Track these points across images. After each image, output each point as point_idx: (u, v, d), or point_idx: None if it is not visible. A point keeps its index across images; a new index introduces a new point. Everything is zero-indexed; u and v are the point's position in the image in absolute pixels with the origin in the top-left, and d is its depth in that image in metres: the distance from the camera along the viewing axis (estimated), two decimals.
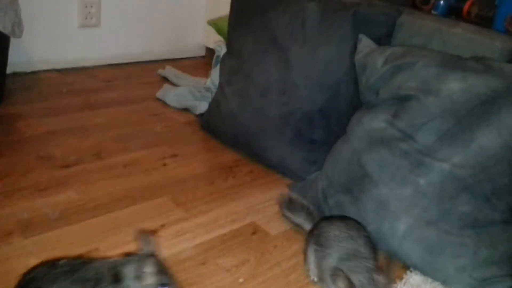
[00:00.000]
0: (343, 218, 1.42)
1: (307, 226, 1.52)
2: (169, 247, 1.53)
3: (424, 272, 1.45)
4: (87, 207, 1.71)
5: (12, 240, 1.51)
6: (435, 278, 1.44)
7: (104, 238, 1.56)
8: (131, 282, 1.09)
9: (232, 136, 2.18)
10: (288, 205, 1.62)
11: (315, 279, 1.38)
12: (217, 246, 1.57)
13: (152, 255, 1.12)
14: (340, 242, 1.30)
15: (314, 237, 1.38)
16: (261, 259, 1.53)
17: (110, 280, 1.08)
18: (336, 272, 1.16)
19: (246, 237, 1.63)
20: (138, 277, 1.08)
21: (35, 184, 1.81)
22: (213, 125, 2.31)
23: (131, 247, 1.52)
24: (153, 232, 1.60)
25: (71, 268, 1.12)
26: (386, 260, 1.21)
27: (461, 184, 1.43)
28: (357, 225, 1.38)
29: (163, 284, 1.10)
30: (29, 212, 1.65)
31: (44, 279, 1.10)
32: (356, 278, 1.15)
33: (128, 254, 1.18)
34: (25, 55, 2.83)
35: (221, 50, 2.55)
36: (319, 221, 1.45)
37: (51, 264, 1.14)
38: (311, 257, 1.37)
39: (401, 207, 1.49)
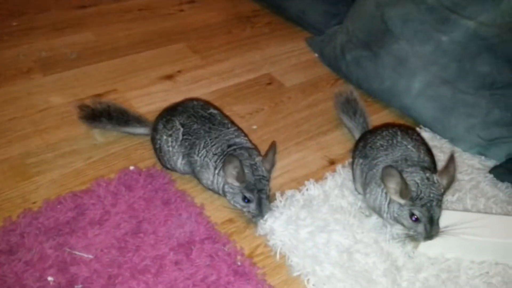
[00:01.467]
0: (387, 126, 1.26)
1: (357, 134, 1.39)
2: (185, 92, 1.56)
3: (434, 129, 1.48)
4: (105, 49, 1.71)
5: (33, 77, 1.55)
6: (444, 136, 1.47)
7: (122, 80, 1.59)
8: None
9: None
10: (343, 106, 1.46)
11: (360, 193, 1.24)
12: (232, 94, 1.60)
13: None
14: (386, 151, 1.16)
15: (359, 150, 1.25)
16: (275, 108, 1.56)
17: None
18: (387, 170, 1.03)
19: (261, 87, 1.65)
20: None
21: (52, 23, 1.80)
22: None
23: (149, 90, 1.56)
24: (170, 77, 1.63)
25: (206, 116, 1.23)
26: (448, 160, 1.08)
27: (485, 44, 1.39)
28: (405, 130, 1.23)
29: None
30: (47, 51, 1.67)
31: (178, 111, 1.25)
32: (409, 179, 1.05)
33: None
34: None
35: None
36: (364, 134, 1.31)
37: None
38: (357, 171, 1.23)
39: (419, 64, 1.47)
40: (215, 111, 1.26)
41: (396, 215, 1.08)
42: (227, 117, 1.29)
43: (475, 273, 1.09)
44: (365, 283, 1.04)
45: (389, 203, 1.09)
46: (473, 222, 1.09)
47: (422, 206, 1.03)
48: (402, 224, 1.09)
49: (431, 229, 1.04)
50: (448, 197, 1.24)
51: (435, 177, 1.06)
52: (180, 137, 1.21)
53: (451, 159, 1.08)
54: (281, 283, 1.06)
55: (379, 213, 1.14)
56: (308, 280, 1.06)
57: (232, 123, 1.27)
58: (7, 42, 1.68)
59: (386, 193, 1.09)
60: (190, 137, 1.20)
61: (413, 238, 1.09)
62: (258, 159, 1.15)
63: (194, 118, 1.22)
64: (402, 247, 1.12)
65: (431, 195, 1.04)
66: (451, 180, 1.07)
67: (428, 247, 1.10)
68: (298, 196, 1.23)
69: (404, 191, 1.03)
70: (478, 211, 1.22)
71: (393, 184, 1.04)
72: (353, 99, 1.45)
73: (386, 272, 1.06)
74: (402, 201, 1.05)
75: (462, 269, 1.09)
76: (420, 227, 1.05)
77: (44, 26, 1.78)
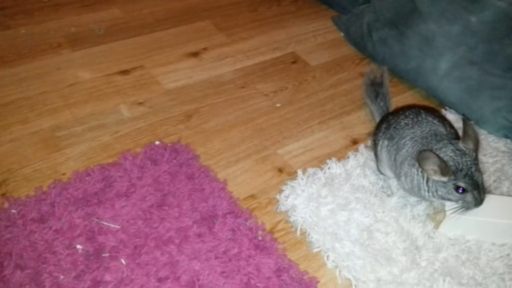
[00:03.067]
0: (409, 107, 1.24)
1: (377, 117, 1.37)
2: (210, 69, 1.58)
3: (459, 111, 1.46)
4: (131, 25, 1.73)
5: (62, 52, 1.58)
6: (469, 117, 1.44)
7: (149, 57, 1.60)
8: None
9: None
10: (368, 89, 1.42)
11: (388, 175, 1.24)
12: (256, 72, 1.61)
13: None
14: (413, 128, 1.16)
15: (382, 131, 1.23)
16: (299, 87, 1.56)
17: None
18: (422, 155, 1.04)
19: (285, 65, 1.65)
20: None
21: None
22: None
23: (175, 66, 1.58)
24: (196, 54, 1.64)
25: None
26: (464, 126, 1.08)
27: None
28: (426, 108, 1.23)
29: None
30: (76, 27, 1.69)
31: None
32: (444, 154, 1.05)
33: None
34: None
35: None
36: (385, 116, 1.29)
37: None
38: (383, 154, 1.22)
39: (447, 44, 1.45)
40: None
41: (441, 193, 1.08)
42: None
43: (496, 255, 1.09)
44: (384, 261, 1.05)
45: (427, 182, 1.09)
46: (495, 204, 1.10)
47: (465, 176, 1.03)
48: (450, 200, 1.08)
49: (479, 193, 1.04)
50: None
51: (462, 145, 1.06)
52: None
53: (465, 123, 1.09)
54: (301, 259, 1.08)
55: (418, 193, 1.13)
56: (327, 256, 1.07)
57: None
58: (38, 17, 1.71)
59: (422, 171, 1.09)
60: None
61: (433, 218, 1.10)
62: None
63: None
64: (422, 227, 1.13)
65: (468, 163, 1.04)
66: (477, 142, 1.07)
67: (448, 228, 1.11)
68: (320, 174, 1.24)
69: (444, 168, 1.03)
70: (502, 194, 1.22)
71: (430, 166, 1.04)
72: (380, 82, 1.43)
73: (406, 251, 1.07)
74: (445, 179, 1.05)
75: (482, 250, 1.09)
76: (469, 196, 1.05)
77: (73, 1, 1.80)
